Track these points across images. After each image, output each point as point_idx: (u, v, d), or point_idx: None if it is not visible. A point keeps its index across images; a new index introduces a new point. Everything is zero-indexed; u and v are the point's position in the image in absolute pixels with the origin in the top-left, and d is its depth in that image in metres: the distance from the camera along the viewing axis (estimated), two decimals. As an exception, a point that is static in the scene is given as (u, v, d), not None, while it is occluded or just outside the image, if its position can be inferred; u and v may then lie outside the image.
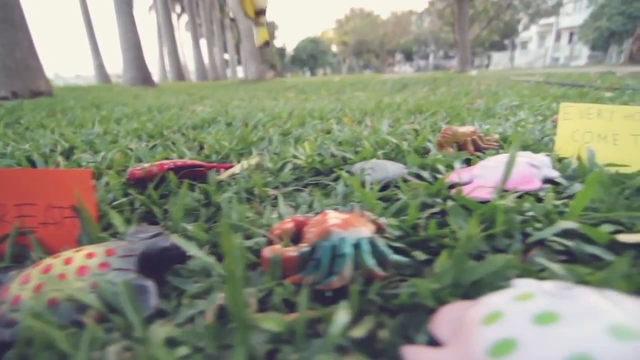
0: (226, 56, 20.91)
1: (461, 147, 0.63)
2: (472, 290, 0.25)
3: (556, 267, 0.24)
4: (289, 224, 0.36)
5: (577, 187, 0.45)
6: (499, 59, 20.85)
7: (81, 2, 10.53)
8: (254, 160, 0.61)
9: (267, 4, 2.40)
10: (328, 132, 0.87)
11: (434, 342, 0.21)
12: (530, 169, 0.42)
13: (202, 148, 0.81)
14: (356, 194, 0.43)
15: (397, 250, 0.32)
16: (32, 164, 0.71)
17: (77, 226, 0.37)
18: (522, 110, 1.06)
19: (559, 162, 0.52)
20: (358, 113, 1.22)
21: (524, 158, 0.45)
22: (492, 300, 0.21)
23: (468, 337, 0.20)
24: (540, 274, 0.26)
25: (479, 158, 0.56)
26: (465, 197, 0.36)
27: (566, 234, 0.33)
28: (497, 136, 0.68)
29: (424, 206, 0.40)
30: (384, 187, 0.49)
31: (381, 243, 0.30)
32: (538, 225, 0.33)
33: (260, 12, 2.41)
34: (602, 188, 0.36)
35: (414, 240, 0.33)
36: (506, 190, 0.40)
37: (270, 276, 0.29)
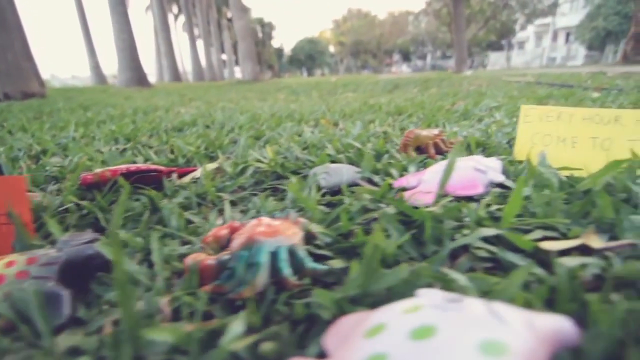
0: (224, 57, 20.89)
1: (423, 150, 0.63)
2: (384, 300, 0.25)
3: (461, 278, 0.24)
4: (223, 231, 0.36)
5: (525, 191, 0.45)
6: (496, 59, 20.89)
7: (77, 2, 10.51)
8: (215, 164, 0.61)
9: None
10: (300, 135, 0.87)
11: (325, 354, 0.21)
12: (475, 174, 0.42)
13: (172, 152, 0.81)
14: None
15: (323, 258, 0.32)
16: (-1, 168, 0.71)
17: (12, 233, 0.37)
18: (499, 112, 1.06)
19: (512, 165, 0.52)
20: (338, 115, 1.22)
21: (471, 162, 0.44)
22: (380, 313, 0.21)
23: (348, 350, 0.19)
24: (453, 283, 0.26)
25: (435, 162, 0.56)
26: (400, 202, 0.36)
27: (498, 240, 0.33)
28: (461, 139, 0.68)
29: (366, 211, 0.40)
30: (337, 192, 0.49)
31: (301, 251, 0.29)
32: (466, 231, 0.33)
33: None
34: (537, 193, 0.36)
35: (343, 247, 0.33)
36: (445, 196, 0.40)
37: (186, 284, 0.28)
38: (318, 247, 0.33)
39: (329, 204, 0.44)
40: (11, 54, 3.47)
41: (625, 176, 0.44)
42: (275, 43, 27.83)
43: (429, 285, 0.26)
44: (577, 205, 0.37)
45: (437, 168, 0.46)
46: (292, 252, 0.29)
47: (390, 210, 0.38)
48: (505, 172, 0.51)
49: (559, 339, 0.19)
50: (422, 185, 0.43)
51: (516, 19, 16.52)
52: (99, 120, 1.52)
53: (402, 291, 0.25)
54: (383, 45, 26.63)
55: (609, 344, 0.20)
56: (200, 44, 15.69)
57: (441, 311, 0.19)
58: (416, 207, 0.38)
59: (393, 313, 0.20)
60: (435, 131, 0.67)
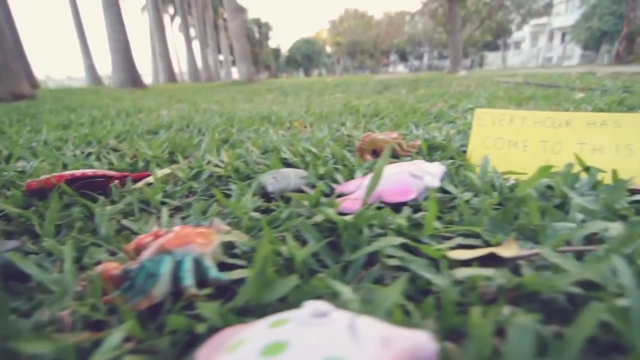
0: (221, 57, 20.86)
1: (379, 154, 0.62)
2: (277, 311, 0.25)
3: (345, 290, 0.24)
4: (147, 239, 0.36)
5: (466, 195, 0.44)
6: (493, 59, 20.97)
7: (71, 2, 10.48)
8: (167, 169, 0.61)
9: None
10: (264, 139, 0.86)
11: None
12: (410, 180, 0.42)
13: (135, 156, 0.80)
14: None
15: (237, 267, 0.32)
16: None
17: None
18: (472, 114, 1.06)
19: (456, 170, 0.52)
20: (315, 117, 1.22)
21: (410, 167, 0.44)
22: (250, 327, 0.21)
23: (208, 365, 0.19)
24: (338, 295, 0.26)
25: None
26: (321, 210, 0.36)
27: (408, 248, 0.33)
28: (419, 142, 0.68)
29: (297, 218, 0.40)
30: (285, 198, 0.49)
31: (208, 261, 0.29)
32: (383, 239, 0.33)
33: None
34: (463, 200, 0.36)
35: (259, 255, 0.33)
36: (371, 203, 0.40)
37: (89, 294, 0.28)
38: (234, 256, 0.33)
39: (265, 211, 0.44)
40: (1, 55, 3.45)
41: (562, 181, 0.44)
42: (272, 43, 27.81)
43: (320, 297, 0.25)
44: (502, 212, 0.37)
45: (378, 173, 0.46)
46: (198, 262, 0.29)
47: (319, 217, 0.38)
48: (450, 177, 0.51)
49: (415, 356, 0.18)
50: (359, 191, 0.43)
51: (512, 19, 16.56)
52: (78, 123, 1.51)
53: (296, 302, 0.25)
54: (380, 45, 26.65)
55: (480, 357, 0.20)
56: (196, 44, 15.66)
57: (302, 327, 0.19)
58: (344, 214, 0.38)
59: (259, 328, 0.20)
60: (394, 134, 0.67)
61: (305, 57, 26.64)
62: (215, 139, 0.86)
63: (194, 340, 0.24)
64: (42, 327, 0.25)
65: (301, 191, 0.49)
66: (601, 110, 1.14)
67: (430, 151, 0.67)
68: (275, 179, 0.52)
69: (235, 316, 0.23)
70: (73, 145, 0.99)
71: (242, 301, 0.24)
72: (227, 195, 0.53)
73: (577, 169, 0.50)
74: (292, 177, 0.52)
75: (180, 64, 20.29)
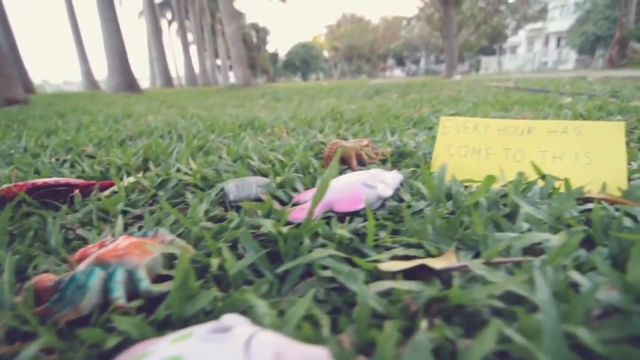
0: (218, 62, 20.91)
1: (346, 162, 0.63)
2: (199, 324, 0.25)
3: (260, 304, 0.24)
4: (92, 249, 0.36)
5: (420, 204, 0.45)
6: (489, 64, 21.11)
7: (68, 8, 10.51)
8: (133, 177, 0.61)
9: None
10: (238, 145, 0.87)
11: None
12: (362, 189, 0.42)
13: (109, 163, 0.80)
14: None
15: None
16: None
17: None
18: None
19: (417, 178, 0.52)
20: (297, 123, 1.22)
21: (365, 176, 0.44)
22: (155, 341, 0.21)
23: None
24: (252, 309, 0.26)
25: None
26: (261, 221, 0.36)
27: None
28: (389, 149, 0.68)
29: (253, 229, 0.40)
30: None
31: (140, 272, 0.29)
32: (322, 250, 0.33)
33: None
34: (407, 210, 0.36)
35: (198, 267, 0.33)
36: (321, 213, 0.40)
37: (22, 306, 0.28)
38: (174, 267, 0.33)
39: (219, 220, 0.44)
40: (-5, 61, 3.45)
41: (514, 190, 0.45)
42: (270, 48, 27.94)
43: (245, 311, 0.26)
44: (446, 221, 0.37)
45: (336, 183, 0.46)
46: (131, 273, 0.29)
47: (268, 227, 0.38)
48: (410, 186, 0.51)
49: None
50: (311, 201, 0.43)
51: (507, 24, 16.69)
52: (64, 129, 1.51)
53: (218, 315, 0.25)
54: (377, 50, 26.78)
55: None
56: (194, 49, 15.71)
57: (200, 342, 0.19)
58: (291, 224, 0.38)
59: (163, 342, 0.20)
60: (365, 142, 0.67)
61: (303, 61, 26.75)
62: (193, 145, 0.86)
63: (112, 353, 0.24)
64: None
65: (261, 200, 0.50)
66: (581, 115, 1.14)
67: (400, 158, 0.67)
68: (237, 187, 0.52)
69: (152, 329, 0.24)
70: (53, 152, 0.99)
71: (163, 314, 0.24)
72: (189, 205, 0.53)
73: (534, 177, 0.51)
74: (253, 185, 0.53)
75: (177, 69, 20.32)
